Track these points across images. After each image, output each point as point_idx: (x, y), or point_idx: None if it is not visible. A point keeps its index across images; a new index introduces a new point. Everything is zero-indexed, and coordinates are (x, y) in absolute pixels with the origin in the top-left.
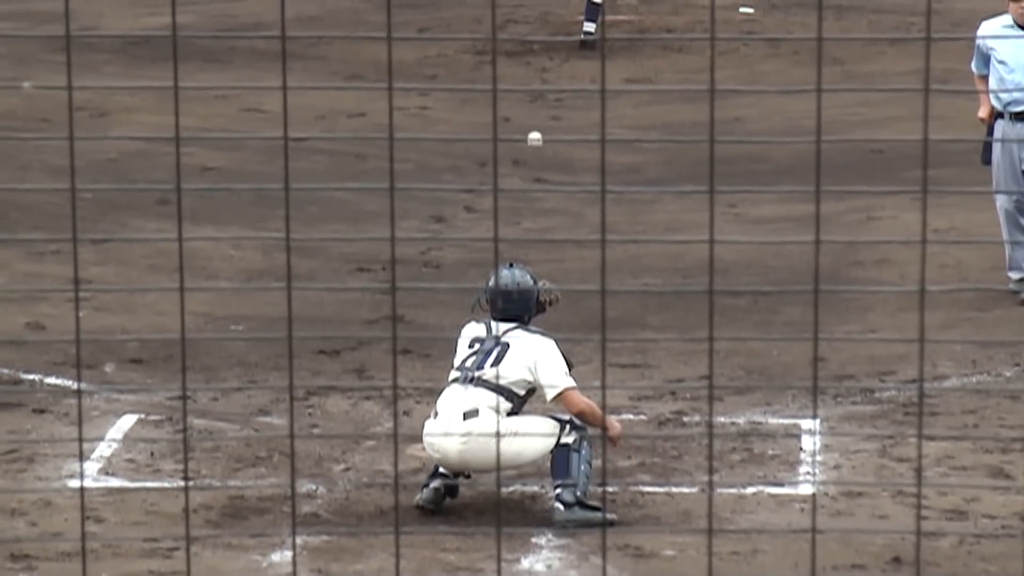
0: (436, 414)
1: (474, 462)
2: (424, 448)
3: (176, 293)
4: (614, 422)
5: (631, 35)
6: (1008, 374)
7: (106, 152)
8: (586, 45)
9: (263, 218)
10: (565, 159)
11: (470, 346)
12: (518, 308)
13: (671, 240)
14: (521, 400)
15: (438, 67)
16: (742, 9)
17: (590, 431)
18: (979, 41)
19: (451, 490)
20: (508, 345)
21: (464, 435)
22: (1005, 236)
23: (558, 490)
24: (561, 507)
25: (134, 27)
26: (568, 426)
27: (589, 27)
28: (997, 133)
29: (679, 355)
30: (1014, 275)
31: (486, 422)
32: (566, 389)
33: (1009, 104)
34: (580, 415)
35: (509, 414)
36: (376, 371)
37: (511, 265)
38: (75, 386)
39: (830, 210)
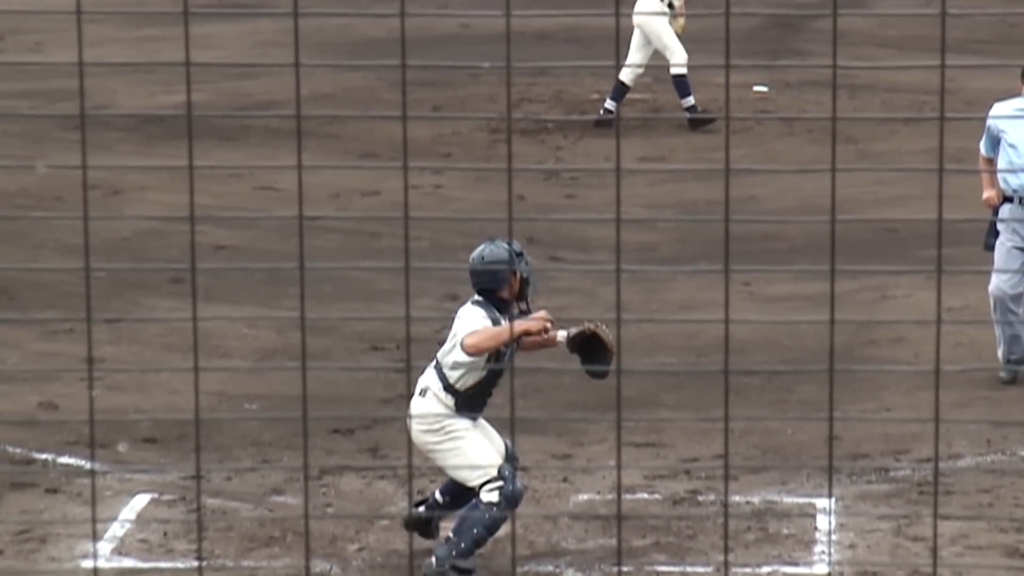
0: (422, 391)
1: (420, 444)
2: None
3: (190, 372)
4: (526, 324)
5: (645, 114)
6: (1023, 453)
7: (120, 231)
8: (602, 123)
9: (277, 297)
10: (580, 237)
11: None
12: (485, 282)
13: (686, 319)
14: (452, 389)
15: (453, 145)
16: (756, 87)
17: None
18: (990, 123)
19: (422, 525)
20: (452, 322)
21: (416, 416)
22: (996, 324)
23: (445, 539)
24: (433, 561)
25: (148, 105)
26: (499, 481)
27: (610, 105)
28: (1004, 215)
29: (694, 434)
30: (1005, 373)
31: (428, 404)
32: (464, 336)
33: (1017, 189)
34: (486, 349)
35: (449, 394)
36: (390, 450)
37: (493, 240)
38: (88, 466)
39: (844, 289)
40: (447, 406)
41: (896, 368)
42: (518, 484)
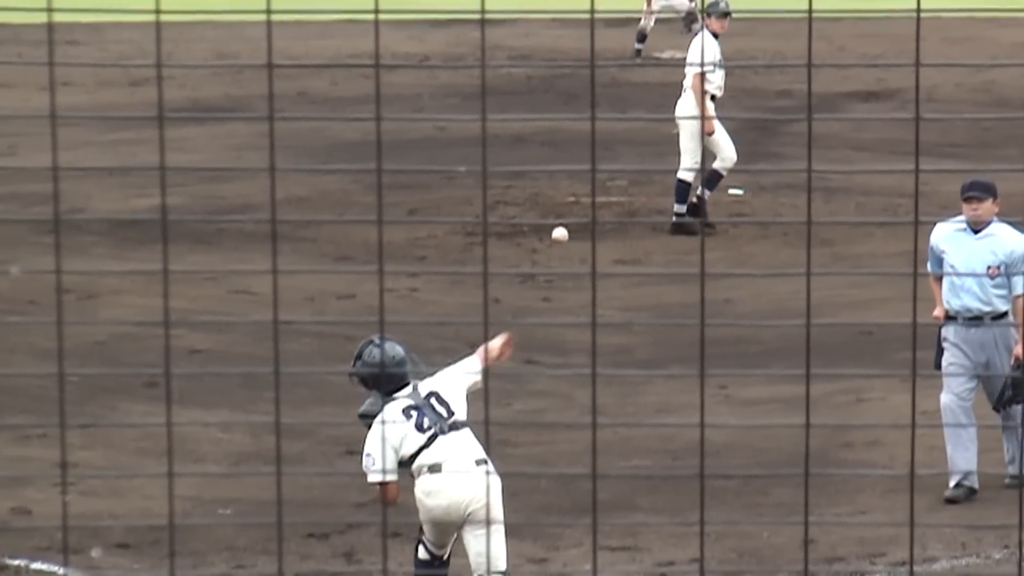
0: (432, 468)
1: (480, 505)
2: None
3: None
4: (492, 347)
5: (621, 217)
6: (997, 556)
7: (94, 335)
8: (681, 228)
9: (252, 401)
10: (556, 340)
11: (408, 416)
12: (407, 373)
13: (662, 423)
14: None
15: (428, 248)
16: (732, 191)
17: None
18: (932, 242)
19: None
20: (437, 393)
21: (482, 476)
22: (948, 440)
23: None
24: None
25: (123, 209)
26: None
27: (680, 208)
28: (947, 335)
29: (670, 538)
30: (953, 481)
31: (491, 468)
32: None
33: (959, 310)
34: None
35: None
36: (365, 555)
37: (380, 342)
38: (61, 572)
39: (820, 392)
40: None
41: (871, 471)
42: None
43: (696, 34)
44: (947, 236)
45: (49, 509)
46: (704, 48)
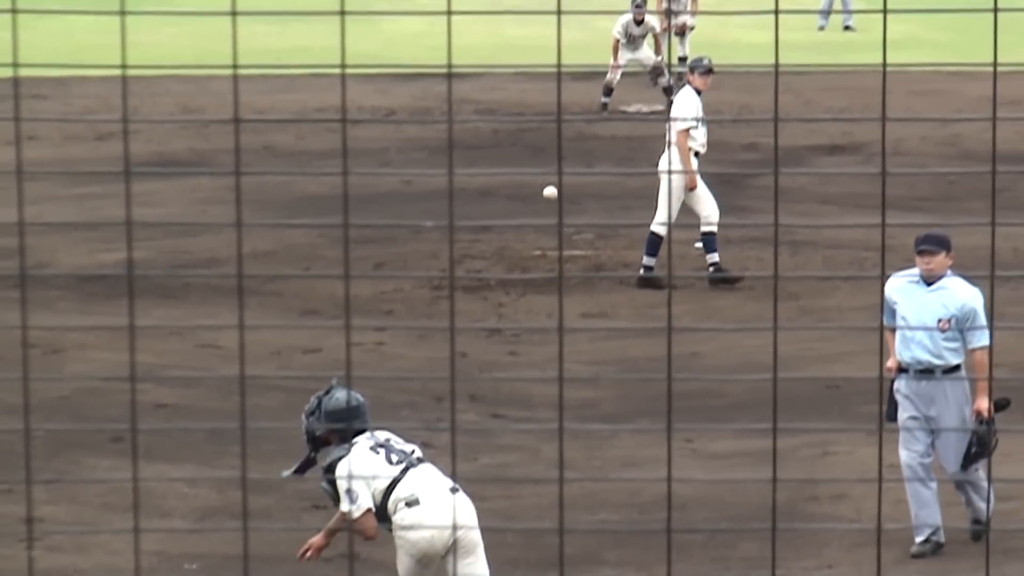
0: (409, 502)
1: (470, 546)
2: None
3: (130, 532)
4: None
5: (587, 271)
6: None
7: (60, 390)
8: (648, 282)
9: (218, 455)
10: (523, 395)
11: (377, 452)
12: (367, 418)
13: (628, 478)
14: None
15: (395, 302)
16: (698, 245)
17: None
18: (887, 294)
19: None
20: (391, 437)
21: (461, 502)
22: (910, 497)
23: None
24: None
25: (89, 263)
26: None
27: (649, 261)
28: (899, 387)
29: None
30: (919, 537)
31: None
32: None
33: (910, 362)
34: None
35: None
36: None
37: (338, 386)
38: None
39: (786, 445)
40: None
41: (838, 525)
42: None
43: (664, 87)
44: (900, 288)
45: (15, 565)
46: (687, 104)
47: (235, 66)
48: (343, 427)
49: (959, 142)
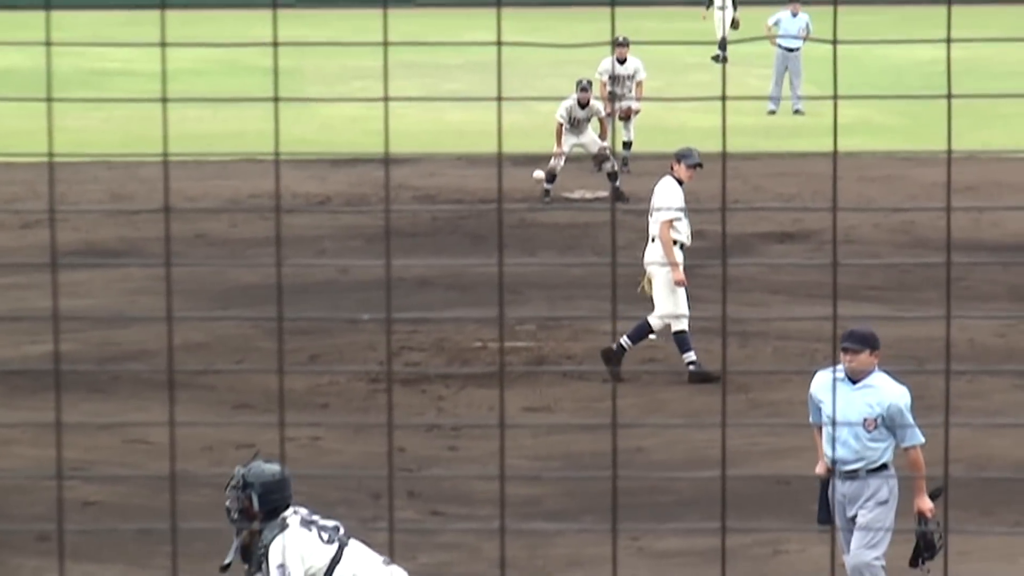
0: None
1: None
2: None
3: None
4: None
5: (529, 364)
6: None
7: None
8: (701, 377)
9: (148, 555)
10: (463, 491)
11: (309, 529)
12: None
13: None
14: None
15: (330, 395)
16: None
17: None
18: (811, 391)
19: None
20: (308, 511)
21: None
22: None
23: None
24: None
25: (14, 356)
26: None
27: (690, 356)
28: (829, 490)
29: None
30: None
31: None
32: None
33: (836, 462)
34: None
35: None
36: None
37: (257, 461)
38: None
39: (736, 543)
40: None
41: None
42: None
43: (609, 172)
44: (825, 386)
45: None
46: (670, 194)
47: (165, 153)
48: (276, 501)
49: (912, 229)
